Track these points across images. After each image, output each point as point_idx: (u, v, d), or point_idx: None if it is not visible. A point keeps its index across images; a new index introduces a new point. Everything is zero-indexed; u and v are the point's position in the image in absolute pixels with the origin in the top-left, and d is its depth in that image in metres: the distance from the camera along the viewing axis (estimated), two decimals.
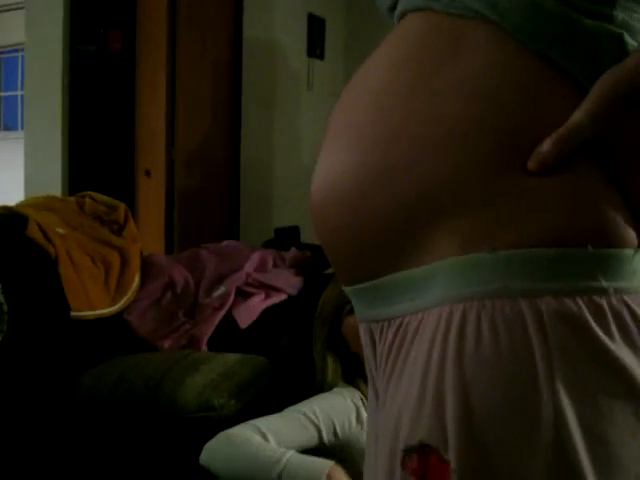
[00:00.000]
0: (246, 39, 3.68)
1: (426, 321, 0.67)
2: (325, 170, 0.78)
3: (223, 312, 2.38)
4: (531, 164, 0.64)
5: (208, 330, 2.34)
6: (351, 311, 1.70)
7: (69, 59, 3.44)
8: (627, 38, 0.65)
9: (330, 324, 1.85)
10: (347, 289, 0.81)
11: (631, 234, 0.64)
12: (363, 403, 1.69)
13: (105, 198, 2.54)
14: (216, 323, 2.37)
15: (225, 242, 2.84)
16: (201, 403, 1.91)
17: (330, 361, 1.84)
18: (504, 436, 0.61)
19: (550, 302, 0.61)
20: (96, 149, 3.45)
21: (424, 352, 0.66)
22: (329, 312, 1.85)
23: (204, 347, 2.32)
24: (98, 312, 2.22)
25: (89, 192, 2.54)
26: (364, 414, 1.65)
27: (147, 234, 3.28)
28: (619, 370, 0.61)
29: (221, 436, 1.59)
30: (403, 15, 0.77)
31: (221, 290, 2.45)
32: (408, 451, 0.65)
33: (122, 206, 2.52)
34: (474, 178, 0.65)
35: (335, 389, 1.72)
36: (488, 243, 0.64)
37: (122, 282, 2.32)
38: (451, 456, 0.62)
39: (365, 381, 1.67)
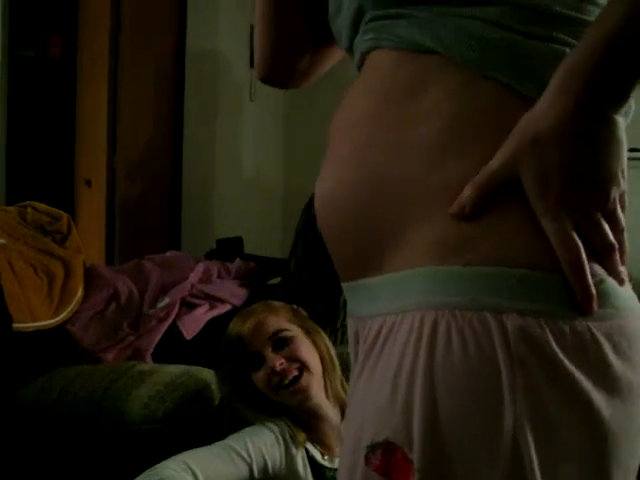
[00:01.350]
0: (189, 49, 3.68)
1: (400, 324, 0.70)
2: (327, 183, 0.83)
3: (168, 323, 2.37)
4: (452, 208, 0.68)
5: (153, 341, 2.33)
6: (254, 367, 1.64)
7: (7, 64, 3.38)
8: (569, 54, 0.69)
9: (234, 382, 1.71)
10: (344, 285, 0.86)
11: (595, 266, 0.67)
12: (292, 440, 1.63)
13: (47, 208, 2.50)
14: (161, 334, 2.36)
15: (169, 253, 2.83)
16: (147, 415, 1.88)
17: (242, 408, 1.72)
18: (466, 441, 0.64)
19: (515, 319, 0.64)
20: (35, 158, 3.39)
21: (397, 354, 0.69)
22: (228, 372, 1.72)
23: (149, 359, 2.30)
24: (41, 323, 2.18)
25: (31, 202, 2.50)
26: (293, 452, 1.62)
27: (87, 245, 3.23)
28: (574, 394, 0.65)
29: (152, 476, 1.50)
30: (362, 58, 0.82)
31: (165, 301, 2.44)
32: (373, 447, 0.68)
33: (65, 216, 2.49)
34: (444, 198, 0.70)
35: (266, 423, 1.65)
36: (463, 257, 0.67)
37: (65, 293, 2.29)
38: (415, 456, 0.65)
39: (290, 418, 1.65)
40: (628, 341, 0.68)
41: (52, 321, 2.23)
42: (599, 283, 0.67)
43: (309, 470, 1.63)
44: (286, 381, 1.60)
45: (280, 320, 1.67)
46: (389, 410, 0.67)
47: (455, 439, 0.64)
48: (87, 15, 3.45)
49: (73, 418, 1.94)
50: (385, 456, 0.67)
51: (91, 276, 2.45)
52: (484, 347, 0.64)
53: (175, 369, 2.11)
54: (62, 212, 2.53)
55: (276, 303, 1.75)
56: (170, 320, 2.38)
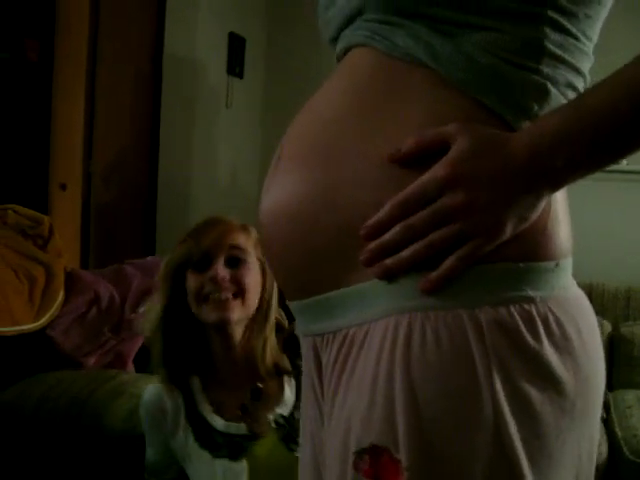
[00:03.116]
0: (167, 54, 3.67)
1: (373, 332, 0.72)
2: (278, 188, 0.83)
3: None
4: (389, 154, 0.72)
5: (134, 347, 2.33)
6: (197, 267, 1.54)
7: None
8: (550, 87, 0.75)
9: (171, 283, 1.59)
10: (293, 304, 0.86)
11: (551, 249, 0.73)
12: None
13: (29, 211, 2.47)
14: (142, 339, 2.35)
15: (149, 258, 2.82)
16: (127, 429, 1.86)
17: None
18: (449, 433, 0.67)
19: (488, 311, 0.68)
20: (9, 161, 3.35)
21: (372, 360, 0.71)
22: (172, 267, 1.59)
23: (130, 364, 2.30)
24: (22, 327, 2.16)
25: (11, 205, 2.47)
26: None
27: (62, 248, 3.20)
28: (545, 369, 0.69)
29: None
30: (346, 50, 0.84)
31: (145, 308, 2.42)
32: (359, 453, 0.70)
33: (47, 220, 2.47)
34: None
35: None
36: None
37: (46, 297, 2.27)
38: (402, 455, 0.67)
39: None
40: (580, 316, 0.75)
41: (33, 325, 2.21)
42: (555, 266, 0.73)
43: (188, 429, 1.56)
44: (216, 295, 1.52)
45: (247, 241, 1.58)
46: (371, 414, 0.69)
47: (438, 433, 0.67)
48: (65, 19, 3.41)
49: (52, 426, 1.91)
50: (373, 460, 0.69)
51: (72, 280, 2.43)
52: (458, 341, 0.68)
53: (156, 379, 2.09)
54: (43, 215, 2.51)
55: (253, 228, 1.62)
56: None
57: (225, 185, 4.05)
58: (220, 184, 4.02)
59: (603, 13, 0.79)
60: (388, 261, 0.71)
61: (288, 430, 1.51)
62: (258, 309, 1.59)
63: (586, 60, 0.79)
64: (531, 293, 0.70)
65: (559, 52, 0.75)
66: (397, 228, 0.70)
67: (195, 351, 1.60)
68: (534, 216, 0.71)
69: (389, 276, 0.71)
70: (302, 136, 0.82)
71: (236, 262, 1.55)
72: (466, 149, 0.68)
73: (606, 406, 2.97)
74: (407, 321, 0.69)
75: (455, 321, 0.68)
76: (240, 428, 1.54)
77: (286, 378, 1.59)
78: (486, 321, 0.68)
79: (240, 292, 1.53)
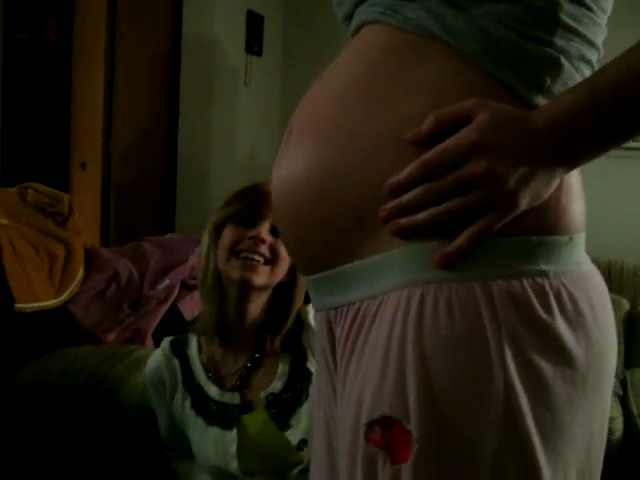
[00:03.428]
0: (185, 33, 3.67)
1: (385, 304, 0.72)
2: (289, 162, 0.83)
3: (168, 304, 2.40)
4: (408, 134, 0.72)
5: (153, 322, 2.35)
6: (243, 221, 1.53)
7: (2, 47, 3.36)
8: (564, 61, 0.74)
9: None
10: (307, 278, 0.86)
11: (565, 223, 0.73)
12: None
13: (48, 190, 2.50)
14: (161, 316, 2.38)
15: (168, 235, 2.84)
16: (144, 404, 1.86)
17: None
18: (460, 406, 0.67)
19: (500, 284, 0.68)
20: (30, 141, 3.38)
21: (385, 332, 0.71)
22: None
23: (149, 339, 2.33)
24: (42, 304, 2.20)
25: (31, 183, 2.50)
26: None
27: (82, 227, 3.23)
28: (557, 343, 0.69)
29: None
30: (360, 27, 0.84)
31: (166, 282, 2.45)
32: (371, 424, 0.70)
33: (66, 198, 2.50)
34: None
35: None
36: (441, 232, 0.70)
37: (66, 274, 2.30)
38: (413, 426, 0.67)
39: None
40: (593, 291, 0.75)
41: (54, 301, 2.24)
42: (569, 240, 0.73)
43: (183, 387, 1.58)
44: (250, 254, 1.50)
45: None
46: (382, 386, 0.70)
47: (449, 405, 0.67)
48: None
49: (71, 402, 1.95)
50: (384, 431, 0.69)
51: (91, 257, 2.46)
52: (470, 313, 0.68)
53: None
54: (63, 193, 2.53)
55: None
56: (170, 301, 2.41)
57: (244, 163, 4.06)
58: (239, 162, 4.03)
59: None
60: (403, 220, 0.70)
61: (279, 409, 1.52)
62: (284, 286, 1.58)
63: (600, 33, 0.78)
64: (544, 267, 0.70)
65: (573, 24, 0.74)
66: (418, 189, 0.69)
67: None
68: (548, 193, 0.70)
69: (403, 235, 0.71)
70: (313, 111, 0.82)
71: (278, 232, 1.50)
72: (489, 121, 0.68)
73: (623, 383, 2.96)
74: (420, 293, 0.69)
75: (468, 294, 0.68)
76: (234, 397, 1.55)
77: (282, 355, 1.58)
78: (498, 294, 0.68)
79: (272, 260, 1.52)
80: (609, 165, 2.94)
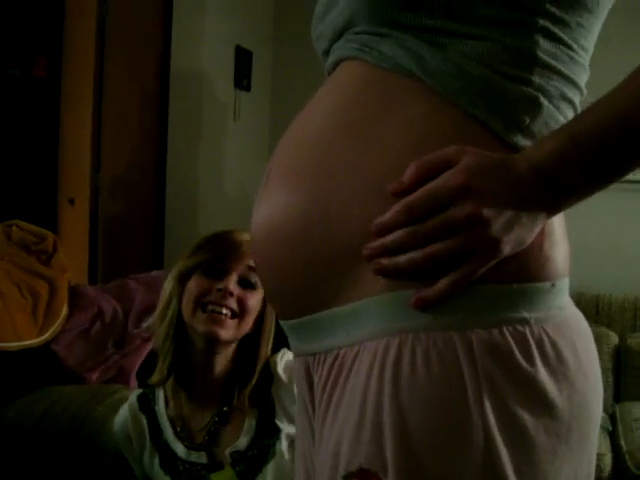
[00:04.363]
0: (173, 68, 3.69)
1: (362, 353, 0.71)
2: (268, 206, 0.82)
3: (152, 343, 2.38)
4: (391, 186, 0.70)
5: (137, 361, 2.34)
6: (210, 272, 1.48)
7: None
8: (543, 100, 0.73)
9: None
10: (285, 323, 0.84)
11: (548, 270, 0.71)
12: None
13: (33, 227, 2.50)
14: (145, 354, 2.36)
15: (153, 272, 2.83)
16: (120, 449, 1.85)
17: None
18: (439, 459, 0.65)
19: (480, 333, 0.67)
20: (18, 176, 3.38)
21: (362, 382, 0.69)
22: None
23: (133, 379, 2.31)
24: (25, 343, 2.18)
25: (16, 221, 2.50)
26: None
27: (71, 263, 3.20)
28: (540, 394, 0.67)
29: None
30: (337, 63, 0.83)
31: (150, 321, 2.43)
32: (348, 477, 0.68)
33: (50, 235, 2.50)
34: None
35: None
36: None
37: (50, 312, 2.29)
38: (390, 479, 0.65)
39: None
40: (577, 337, 0.73)
41: (36, 340, 2.23)
42: (551, 287, 0.72)
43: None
44: (216, 307, 1.45)
45: None
46: (360, 437, 0.68)
47: (428, 458, 0.65)
48: (72, 34, 3.45)
49: (54, 442, 1.93)
50: None
51: (75, 295, 2.45)
52: (448, 364, 0.66)
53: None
54: (47, 231, 2.53)
55: None
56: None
57: (233, 199, 4.07)
58: (228, 198, 4.04)
59: (596, 24, 0.77)
60: (384, 261, 0.69)
61: (244, 466, 1.48)
62: (251, 336, 1.54)
63: (582, 72, 0.77)
64: (526, 314, 0.69)
65: (552, 62, 0.73)
66: (401, 232, 0.68)
67: (176, 358, 1.54)
68: (531, 239, 0.69)
69: (384, 274, 0.70)
70: (292, 154, 0.81)
71: (247, 284, 1.50)
72: (474, 165, 0.67)
73: (612, 418, 2.94)
74: (397, 343, 0.68)
75: (446, 344, 0.67)
76: (201, 457, 1.51)
77: (250, 409, 1.53)
78: (478, 343, 0.66)
79: (240, 313, 1.48)
80: (597, 199, 2.95)
